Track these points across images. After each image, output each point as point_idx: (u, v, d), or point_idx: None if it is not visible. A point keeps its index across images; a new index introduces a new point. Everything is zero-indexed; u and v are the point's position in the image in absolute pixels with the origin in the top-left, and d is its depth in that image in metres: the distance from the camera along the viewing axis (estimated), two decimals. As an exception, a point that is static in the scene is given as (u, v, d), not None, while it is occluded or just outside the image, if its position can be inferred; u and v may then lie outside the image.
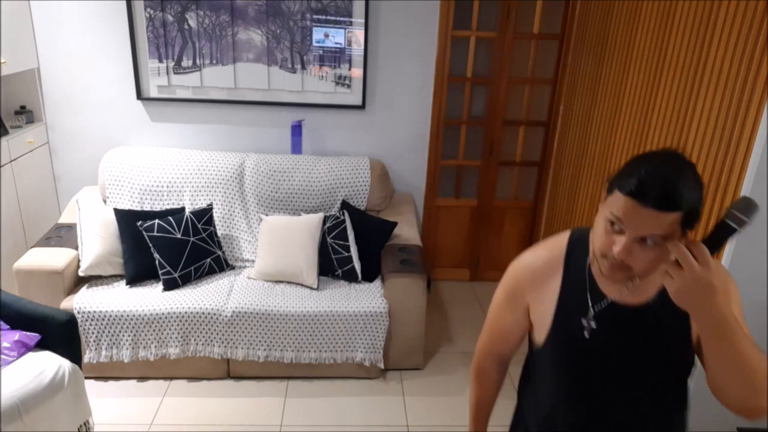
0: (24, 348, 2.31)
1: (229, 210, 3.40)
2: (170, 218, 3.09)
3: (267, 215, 3.40)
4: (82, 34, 3.45)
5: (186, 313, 2.86)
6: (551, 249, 1.28)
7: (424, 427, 2.77)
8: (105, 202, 3.42)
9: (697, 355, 1.17)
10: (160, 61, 3.50)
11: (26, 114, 3.49)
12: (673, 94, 2.39)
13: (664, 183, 1.00)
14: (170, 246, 3.01)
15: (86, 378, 2.94)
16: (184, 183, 3.37)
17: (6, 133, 3.27)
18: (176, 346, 2.89)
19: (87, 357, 2.87)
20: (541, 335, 1.27)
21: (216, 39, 3.47)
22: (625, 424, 1.22)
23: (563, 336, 1.23)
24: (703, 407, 1.92)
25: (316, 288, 3.07)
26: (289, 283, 3.13)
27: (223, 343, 2.91)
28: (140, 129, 3.66)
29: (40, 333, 2.38)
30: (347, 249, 3.14)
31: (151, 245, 3.01)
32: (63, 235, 3.12)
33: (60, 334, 2.39)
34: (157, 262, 3.00)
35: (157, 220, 3.05)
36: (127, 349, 2.87)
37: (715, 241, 1.00)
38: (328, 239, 3.18)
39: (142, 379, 2.98)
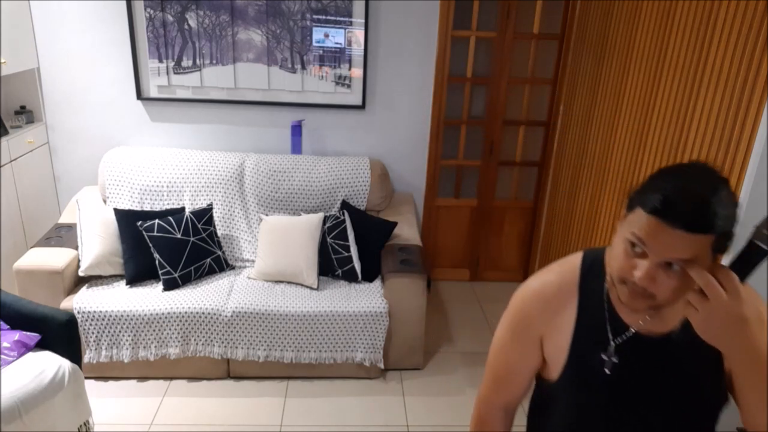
0: (24, 348, 2.31)
1: (229, 210, 3.40)
2: (170, 218, 3.09)
3: (267, 215, 3.40)
4: (82, 34, 3.45)
5: (186, 313, 2.86)
6: (562, 274, 1.12)
7: (424, 427, 2.77)
8: (105, 202, 3.42)
9: (730, 392, 1.05)
10: (160, 61, 3.50)
11: (26, 114, 3.49)
12: (673, 94, 2.39)
13: (694, 200, 0.87)
14: (170, 246, 3.01)
15: (86, 378, 2.94)
16: (184, 183, 3.37)
17: (6, 133, 3.27)
18: (176, 346, 2.89)
19: (87, 357, 2.87)
20: (554, 371, 1.12)
21: (216, 39, 3.47)
22: None
23: (581, 372, 1.09)
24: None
25: (316, 288, 3.07)
26: (289, 283, 3.13)
27: (223, 343, 2.91)
28: (140, 129, 3.66)
29: (40, 333, 2.38)
30: (347, 249, 3.14)
31: (151, 245, 3.01)
32: (63, 235, 3.12)
33: (60, 334, 2.39)
34: (157, 262, 3.00)
35: (157, 220, 3.05)
36: (127, 349, 2.87)
37: (744, 266, 0.88)
38: (328, 239, 3.18)
39: (142, 379, 2.98)
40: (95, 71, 3.53)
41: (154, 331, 2.86)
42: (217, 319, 2.87)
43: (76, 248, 3.02)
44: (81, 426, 2.41)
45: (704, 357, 1.03)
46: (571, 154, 3.49)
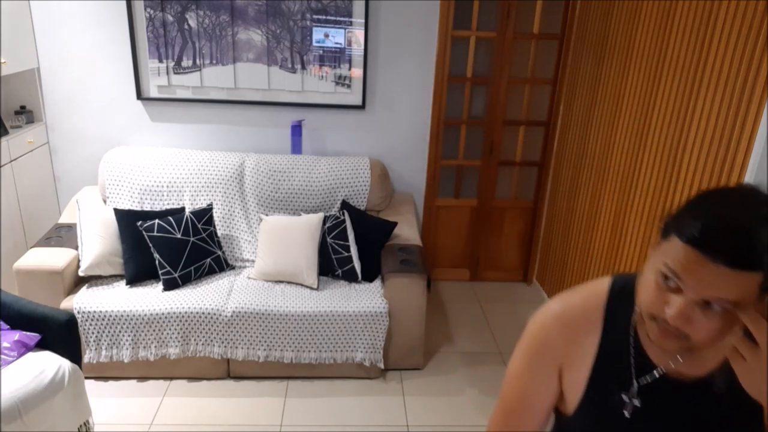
0: (24, 348, 2.31)
1: (229, 210, 3.40)
2: (170, 218, 3.09)
3: (267, 215, 3.40)
4: (82, 34, 3.45)
5: (186, 313, 2.86)
6: (586, 298, 1.00)
7: (424, 427, 2.77)
8: (105, 202, 3.42)
9: None
10: (160, 61, 3.50)
11: (26, 114, 3.49)
12: (673, 94, 2.40)
13: (739, 231, 0.75)
14: (170, 246, 3.01)
15: (86, 378, 2.94)
16: (184, 183, 3.37)
17: (6, 133, 3.27)
18: (176, 346, 2.89)
19: (87, 357, 2.87)
20: (570, 406, 1.01)
21: (216, 39, 3.47)
22: None
23: (598, 411, 0.97)
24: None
25: (316, 288, 3.07)
26: (289, 283, 3.13)
27: (223, 343, 2.91)
28: (140, 129, 3.66)
29: (40, 333, 2.38)
30: (347, 249, 3.14)
31: (151, 245, 3.01)
32: (63, 235, 3.12)
33: (60, 334, 2.39)
34: (157, 262, 3.00)
35: (157, 220, 3.05)
36: (127, 349, 2.87)
37: None
38: (328, 239, 3.18)
39: (142, 379, 2.98)
40: (95, 71, 3.53)
41: (154, 331, 2.86)
42: (217, 319, 2.87)
43: (76, 248, 3.02)
44: (81, 426, 2.41)
45: (743, 409, 0.90)
46: (571, 154, 3.49)
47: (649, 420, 0.94)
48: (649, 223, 2.55)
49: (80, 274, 2.96)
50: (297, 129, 3.64)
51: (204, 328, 2.88)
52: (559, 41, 3.65)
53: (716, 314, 0.79)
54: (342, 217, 3.21)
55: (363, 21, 3.48)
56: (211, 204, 3.27)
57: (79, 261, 3.00)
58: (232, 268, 3.29)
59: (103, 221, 3.04)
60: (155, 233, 3.01)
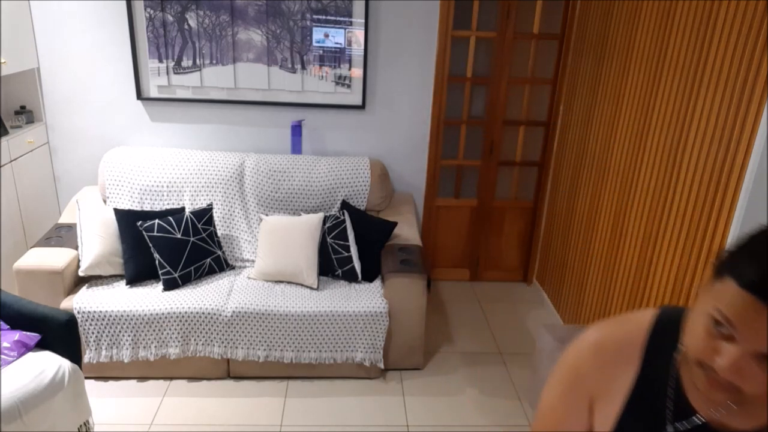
0: (24, 348, 2.31)
1: (229, 210, 3.40)
2: (170, 218, 3.09)
3: (267, 215, 3.40)
4: (82, 34, 3.45)
5: (186, 313, 2.86)
6: (627, 330, 0.93)
7: (424, 427, 2.77)
8: (105, 202, 3.42)
9: None
10: (160, 61, 3.50)
11: (26, 114, 3.49)
12: (673, 94, 2.40)
13: None
14: (170, 246, 3.01)
15: (86, 378, 2.94)
16: (184, 183, 3.37)
17: (6, 133, 3.27)
18: (176, 346, 2.89)
19: (87, 357, 2.87)
20: None
21: (216, 39, 3.47)
22: None
23: None
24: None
25: (316, 288, 3.07)
26: (289, 283, 3.13)
27: (223, 343, 2.91)
28: (140, 129, 3.66)
29: (40, 333, 2.38)
30: (347, 249, 3.14)
31: (151, 245, 3.01)
32: (63, 235, 3.12)
33: (60, 334, 2.39)
34: (157, 262, 3.00)
35: (157, 220, 3.05)
36: (127, 349, 2.87)
37: None
38: (328, 239, 3.18)
39: (142, 379, 2.98)
40: (95, 71, 3.53)
41: (154, 331, 2.86)
42: (217, 319, 2.87)
43: (76, 248, 3.02)
44: (81, 426, 2.41)
45: None
46: (571, 154, 3.49)
47: None
48: (649, 223, 2.56)
49: (80, 274, 2.96)
50: (297, 129, 3.64)
51: (204, 328, 2.88)
52: (559, 41, 3.65)
53: None
54: (342, 217, 3.21)
55: (363, 21, 3.48)
56: (211, 204, 3.27)
57: (79, 261, 3.00)
58: (232, 268, 3.29)
59: (103, 221, 3.04)
60: (155, 233, 3.01)
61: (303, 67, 3.57)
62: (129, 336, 2.86)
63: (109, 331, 2.85)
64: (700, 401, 0.83)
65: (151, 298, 2.89)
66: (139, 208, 3.33)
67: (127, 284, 3.00)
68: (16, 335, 2.32)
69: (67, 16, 3.41)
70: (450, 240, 4.06)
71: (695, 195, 2.21)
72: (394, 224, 3.27)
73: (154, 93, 3.58)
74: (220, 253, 3.21)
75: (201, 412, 2.78)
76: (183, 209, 3.26)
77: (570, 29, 3.56)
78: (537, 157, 3.97)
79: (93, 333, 2.85)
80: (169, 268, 2.99)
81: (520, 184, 4.05)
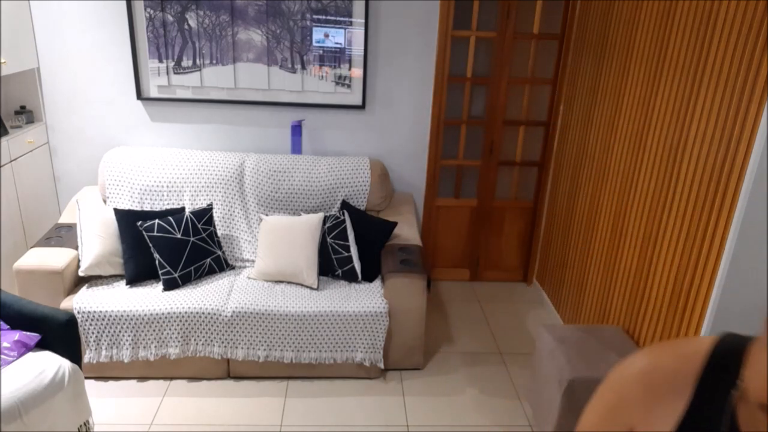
0: (24, 348, 2.31)
1: (229, 210, 3.40)
2: (170, 218, 3.09)
3: (267, 215, 3.40)
4: (82, 34, 3.45)
5: (186, 313, 2.86)
6: (680, 358, 0.85)
7: (424, 427, 2.77)
8: (105, 202, 3.42)
9: None
10: (160, 61, 3.50)
11: (26, 114, 3.49)
12: (673, 94, 2.40)
13: None
14: (170, 246, 3.01)
15: (86, 378, 2.94)
16: (184, 183, 3.37)
17: (6, 133, 3.27)
18: (176, 346, 2.89)
19: (87, 357, 2.87)
20: None
21: (216, 39, 3.47)
22: None
23: None
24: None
25: (316, 288, 3.07)
26: (289, 283, 3.13)
27: (223, 343, 2.91)
28: (140, 129, 3.67)
29: (40, 333, 2.38)
30: (347, 249, 3.14)
31: (151, 245, 3.01)
32: (63, 235, 3.12)
33: (60, 334, 2.39)
34: (157, 262, 3.00)
35: (157, 220, 3.05)
36: (127, 349, 2.87)
37: None
38: (328, 239, 3.18)
39: (142, 379, 2.98)
40: (95, 71, 3.53)
41: (154, 331, 2.87)
42: (217, 319, 2.87)
43: (76, 248, 3.02)
44: (81, 426, 2.41)
45: None
46: (571, 154, 3.49)
47: None
48: (649, 223, 2.55)
49: (80, 274, 2.96)
50: (297, 129, 3.64)
51: (204, 328, 2.88)
52: (559, 41, 3.65)
53: None
54: (342, 217, 3.21)
55: (363, 21, 3.48)
56: (211, 204, 3.27)
57: (79, 261, 3.00)
58: (232, 268, 3.29)
59: (103, 221, 3.04)
60: (155, 233, 3.01)
61: (303, 67, 3.57)
62: (129, 336, 2.86)
63: (109, 331, 2.85)
64: None
65: (151, 298, 2.89)
66: (139, 208, 3.33)
67: (127, 284, 3.00)
68: (16, 335, 2.32)
69: (67, 16, 3.41)
70: (450, 240, 4.06)
71: (695, 195, 2.21)
72: (394, 224, 3.27)
73: (154, 93, 3.58)
74: (220, 253, 3.21)
75: (201, 412, 2.78)
76: (183, 209, 3.26)
77: (570, 29, 3.56)
78: (537, 157, 3.97)
79: (93, 333, 2.85)
80: (169, 268, 2.99)
81: (520, 184, 4.05)
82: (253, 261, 3.33)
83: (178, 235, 3.05)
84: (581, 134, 3.34)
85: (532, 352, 3.37)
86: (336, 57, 3.56)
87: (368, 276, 3.18)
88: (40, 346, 2.39)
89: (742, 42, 1.98)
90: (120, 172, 3.37)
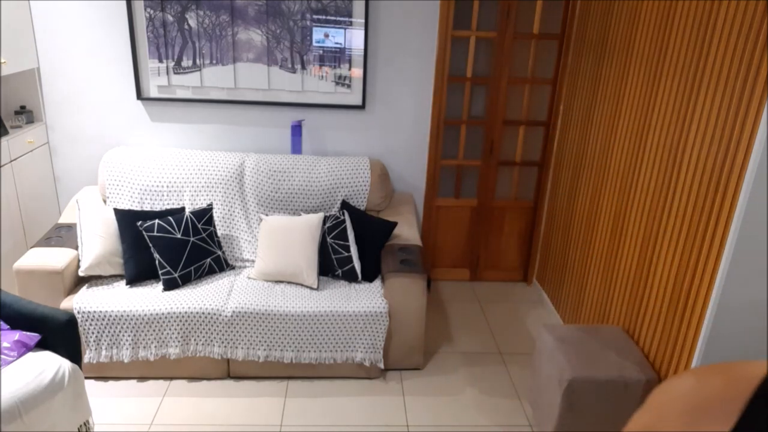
0: (24, 348, 2.31)
1: (229, 210, 3.40)
2: (170, 218, 3.09)
3: (267, 215, 3.40)
4: (82, 34, 3.45)
5: (186, 313, 2.86)
6: (730, 382, 0.81)
7: (424, 427, 2.77)
8: (105, 202, 3.42)
9: None
10: (160, 61, 3.50)
11: (26, 114, 3.49)
12: (673, 94, 2.40)
13: None
14: (170, 246, 3.01)
15: (86, 378, 2.94)
16: (184, 183, 3.37)
17: (6, 133, 3.27)
18: (176, 346, 2.89)
19: (87, 357, 2.87)
20: None
21: (216, 39, 3.47)
22: None
23: None
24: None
25: (316, 288, 3.07)
26: (289, 283, 3.13)
27: (223, 343, 2.91)
28: (140, 129, 3.66)
29: (40, 333, 2.38)
30: (347, 249, 3.14)
31: (151, 245, 3.01)
32: (63, 235, 3.12)
33: (60, 334, 2.39)
34: (157, 262, 3.00)
35: (157, 220, 3.05)
36: (127, 349, 2.87)
37: None
38: (328, 239, 3.18)
39: (142, 379, 2.98)
40: (95, 71, 3.53)
41: (154, 331, 2.87)
42: (217, 319, 2.87)
43: (76, 248, 3.02)
44: (81, 426, 2.41)
45: None
46: (571, 154, 3.49)
47: None
48: (649, 223, 2.55)
49: (80, 274, 2.96)
50: (297, 129, 3.64)
51: (204, 328, 2.88)
52: (559, 41, 3.65)
53: None
54: (342, 217, 3.21)
55: (363, 21, 3.48)
56: (211, 204, 3.27)
57: (79, 261, 3.00)
58: (232, 268, 3.29)
59: (103, 221, 3.04)
60: (155, 233, 3.01)
61: (303, 67, 3.57)
62: (129, 336, 2.86)
63: (109, 331, 2.85)
64: None
65: (151, 298, 2.90)
66: (139, 208, 3.33)
67: (127, 284, 3.00)
68: (16, 335, 2.32)
69: (67, 16, 3.41)
70: (450, 240, 4.06)
71: (695, 195, 2.21)
72: (394, 224, 3.27)
73: (154, 93, 3.58)
74: (220, 253, 3.21)
75: (201, 412, 2.78)
76: (183, 209, 3.26)
77: (570, 29, 3.56)
78: (537, 157, 3.97)
79: (93, 333, 2.85)
80: (169, 268, 2.99)
81: (520, 184, 4.05)
82: (253, 261, 3.33)
83: (178, 235, 3.05)
84: (581, 134, 3.34)
85: (532, 352, 3.37)
86: (336, 57, 3.56)
87: (368, 276, 3.18)
88: (40, 346, 2.39)
89: (742, 42, 1.98)
90: (120, 172, 3.37)
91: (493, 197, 3.97)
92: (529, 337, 3.52)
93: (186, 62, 3.51)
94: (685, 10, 2.33)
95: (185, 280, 3.04)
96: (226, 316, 2.87)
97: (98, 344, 2.87)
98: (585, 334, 2.62)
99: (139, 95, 3.57)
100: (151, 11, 3.40)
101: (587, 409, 2.38)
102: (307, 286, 3.09)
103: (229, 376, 3.03)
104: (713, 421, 0.74)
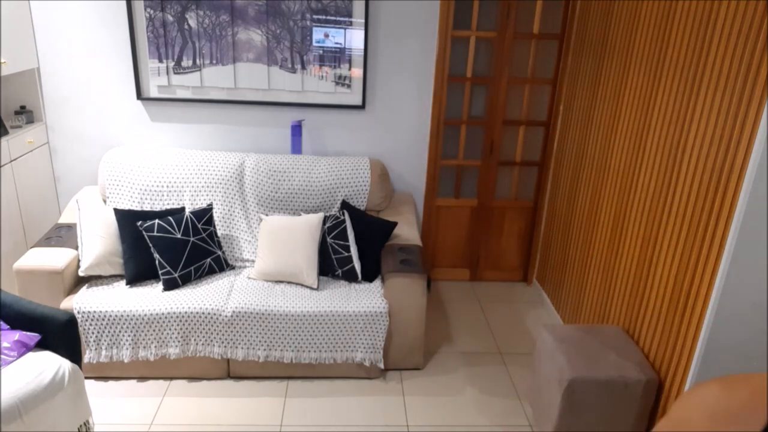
0: (24, 348, 2.31)
1: (229, 210, 3.40)
2: (170, 218, 3.09)
3: (267, 215, 3.40)
4: (82, 34, 3.45)
5: (186, 313, 2.86)
6: (753, 393, 0.79)
7: (424, 427, 2.77)
8: (105, 202, 3.42)
9: None
10: (160, 61, 3.50)
11: (26, 114, 3.49)
12: (673, 94, 2.40)
13: None
14: (170, 246, 3.01)
15: (86, 378, 2.94)
16: (184, 183, 3.37)
17: (6, 133, 3.27)
18: (176, 346, 2.89)
19: (87, 357, 2.87)
20: None
21: (216, 39, 3.47)
22: None
23: None
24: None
25: (316, 288, 3.07)
26: (289, 283, 3.13)
27: (223, 343, 2.91)
28: (140, 129, 3.67)
29: (40, 333, 2.38)
30: (347, 249, 3.14)
31: (151, 245, 3.01)
32: (63, 235, 3.12)
33: (60, 334, 2.39)
34: (157, 262, 3.00)
35: (157, 220, 3.05)
36: (127, 349, 2.87)
37: None
38: (328, 239, 3.18)
39: (142, 379, 2.98)
40: (95, 71, 3.53)
41: (154, 331, 2.87)
42: (217, 319, 2.87)
43: (76, 248, 3.02)
44: (81, 426, 2.41)
45: None
46: (571, 154, 3.49)
47: None
48: (649, 223, 2.55)
49: (80, 274, 2.96)
50: (297, 129, 3.64)
51: (204, 328, 2.88)
52: (559, 41, 3.65)
53: None
54: (342, 217, 3.21)
55: (363, 21, 3.48)
56: (211, 204, 3.27)
57: (79, 261, 3.00)
58: (232, 268, 3.29)
59: (103, 221, 3.04)
60: (155, 233, 3.01)
61: (303, 67, 3.57)
62: (129, 336, 2.86)
63: (109, 331, 2.85)
64: None
65: (151, 298, 2.90)
66: (139, 208, 3.33)
67: (127, 284, 3.00)
68: (16, 335, 2.32)
69: (67, 16, 3.41)
70: (450, 240, 4.06)
71: (695, 195, 2.21)
72: (394, 224, 3.27)
73: (154, 93, 3.58)
74: (220, 253, 3.21)
75: (201, 412, 2.78)
76: (183, 209, 3.26)
77: (570, 29, 3.56)
78: (537, 157, 3.97)
79: (93, 333, 2.85)
80: (169, 268, 2.99)
81: (520, 184, 4.05)
82: (253, 261, 3.33)
83: (178, 235, 3.05)
84: (581, 134, 3.34)
85: (532, 352, 3.37)
86: (336, 57, 3.56)
87: (368, 276, 3.18)
88: (40, 346, 2.39)
89: (742, 42, 1.98)
90: (120, 172, 3.37)
91: (493, 197, 3.97)
92: (529, 337, 3.52)
93: (186, 62, 3.51)
94: (685, 11, 2.33)
95: (185, 280, 3.04)
96: (226, 316, 2.87)
97: (98, 344, 2.87)
98: (585, 334, 2.63)
99: (139, 95, 3.57)
100: (151, 11, 3.40)
101: (587, 409, 2.38)
102: (307, 286, 3.09)
103: (229, 376, 3.03)
104: (739, 429, 0.75)
